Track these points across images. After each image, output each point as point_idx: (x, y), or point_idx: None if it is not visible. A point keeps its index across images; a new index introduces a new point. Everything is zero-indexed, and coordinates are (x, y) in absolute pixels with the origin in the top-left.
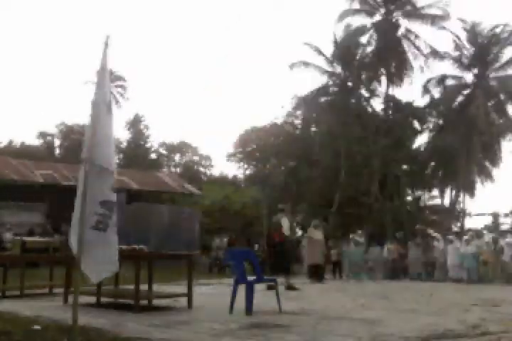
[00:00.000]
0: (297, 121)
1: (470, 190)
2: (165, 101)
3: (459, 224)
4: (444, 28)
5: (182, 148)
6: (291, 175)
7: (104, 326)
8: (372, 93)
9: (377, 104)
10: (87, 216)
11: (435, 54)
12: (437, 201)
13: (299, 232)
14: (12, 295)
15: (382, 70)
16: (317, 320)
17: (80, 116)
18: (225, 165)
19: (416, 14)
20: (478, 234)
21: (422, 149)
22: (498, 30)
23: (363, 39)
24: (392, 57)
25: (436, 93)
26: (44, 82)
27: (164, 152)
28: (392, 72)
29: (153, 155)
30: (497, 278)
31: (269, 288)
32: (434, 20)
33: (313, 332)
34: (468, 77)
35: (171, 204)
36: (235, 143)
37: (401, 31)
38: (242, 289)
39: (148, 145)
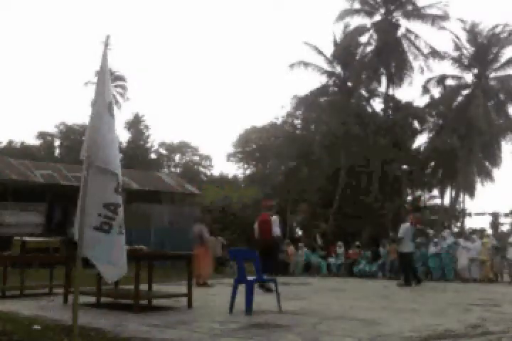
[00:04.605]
0: (297, 121)
1: (470, 190)
2: (165, 101)
3: (458, 224)
4: (444, 28)
5: (182, 148)
6: (291, 175)
7: (104, 326)
8: (372, 93)
9: (377, 104)
10: (91, 216)
11: (435, 54)
12: (437, 201)
13: (299, 232)
14: (12, 295)
15: (382, 70)
16: (317, 320)
17: (80, 116)
18: (225, 165)
19: (416, 14)
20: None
21: (422, 149)
22: (497, 30)
23: (363, 39)
24: (392, 57)
25: (436, 93)
26: (44, 82)
27: (164, 152)
28: (392, 72)
29: (153, 155)
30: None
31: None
32: (434, 20)
33: (313, 332)
34: (468, 77)
35: (171, 204)
36: (234, 143)
37: (401, 31)
38: (242, 289)
39: (148, 145)
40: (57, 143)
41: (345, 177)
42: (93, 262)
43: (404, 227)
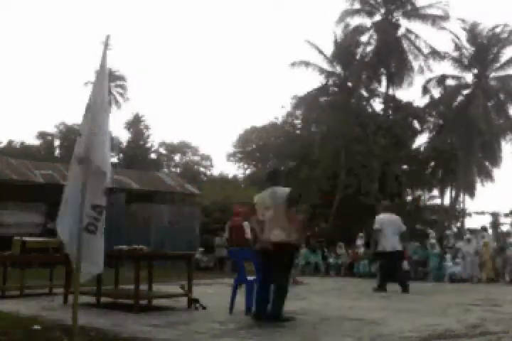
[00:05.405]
0: (297, 121)
1: (470, 190)
2: (165, 101)
3: (458, 224)
4: (444, 28)
5: (182, 148)
6: (291, 175)
7: (104, 326)
8: (372, 93)
9: (377, 104)
10: (79, 216)
11: (435, 54)
12: (437, 201)
13: None
14: (12, 295)
15: (382, 70)
16: (317, 320)
17: (80, 116)
18: (225, 165)
19: (416, 14)
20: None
21: (422, 149)
22: (498, 30)
23: (363, 39)
24: (392, 57)
25: (436, 93)
26: (44, 82)
27: (164, 152)
28: (392, 72)
29: (153, 155)
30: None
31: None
32: (434, 20)
33: (313, 332)
34: (468, 77)
35: (171, 204)
36: (234, 143)
37: (401, 31)
38: (242, 289)
39: (148, 145)
40: (57, 143)
41: (345, 178)
42: (72, 260)
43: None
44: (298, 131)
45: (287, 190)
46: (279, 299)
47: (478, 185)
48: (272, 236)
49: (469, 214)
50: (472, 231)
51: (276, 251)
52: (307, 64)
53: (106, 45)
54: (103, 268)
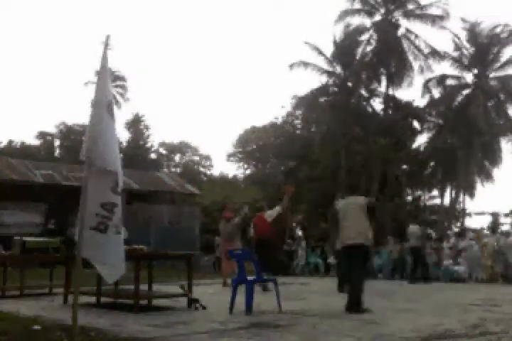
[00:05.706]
0: (297, 121)
1: (470, 190)
2: (165, 101)
3: (458, 224)
4: (444, 27)
5: (182, 148)
6: (291, 175)
7: (104, 326)
8: (372, 93)
9: (377, 104)
10: (88, 216)
11: (435, 54)
12: (437, 201)
13: (299, 232)
14: (12, 295)
15: (382, 70)
16: (317, 320)
17: (80, 116)
18: (225, 165)
19: (416, 14)
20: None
21: (422, 149)
22: (498, 30)
23: (363, 39)
24: (392, 57)
25: (436, 93)
26: (44, 82)
27: (164, 152)
28: (392, 72)
29: (153, 155)
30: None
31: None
32: (434, 20)
33: (313, 332)
34: (468, 77)
35: (171, 204)
36: (234, 143)
37: (401, 31)
38: (242, 289)
39: (148, 145)
40: (57, 143)
41: (345, 178)
42: (92, 262)
43: None
44: (298, 131)
45: (364, 198)
46: (359, 293)
47: (478, 185)
48: (350, 240)
49: (469, 214)
50: (474, 231)
51: (353, 252)
52: (306, 64)
53: (106, 45)
54: (124, 270)
